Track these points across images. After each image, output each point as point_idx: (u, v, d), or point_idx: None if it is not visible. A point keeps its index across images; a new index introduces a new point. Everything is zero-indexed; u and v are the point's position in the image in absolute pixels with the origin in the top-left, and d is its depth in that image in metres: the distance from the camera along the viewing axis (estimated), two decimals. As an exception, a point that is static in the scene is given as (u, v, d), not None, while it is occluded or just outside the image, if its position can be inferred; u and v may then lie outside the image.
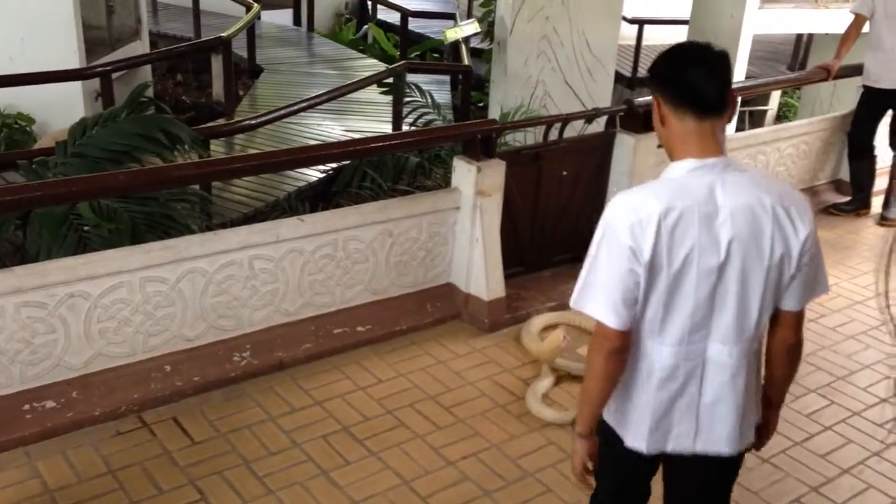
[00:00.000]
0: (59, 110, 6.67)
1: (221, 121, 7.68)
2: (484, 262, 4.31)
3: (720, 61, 1.94)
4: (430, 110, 6.64)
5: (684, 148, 1.96)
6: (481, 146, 4.33)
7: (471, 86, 8.13)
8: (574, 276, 5.34)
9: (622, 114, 5.04)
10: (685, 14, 9.51)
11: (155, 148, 4.37)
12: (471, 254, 4.34)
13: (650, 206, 1.89)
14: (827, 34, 9.71)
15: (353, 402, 3.68)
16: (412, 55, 11.58)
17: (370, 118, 8.43)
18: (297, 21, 13.56)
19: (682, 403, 2.06)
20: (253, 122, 6.06)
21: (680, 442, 2.10)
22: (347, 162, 5.84)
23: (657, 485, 2.32)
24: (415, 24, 12.51)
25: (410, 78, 7.20)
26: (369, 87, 7.63)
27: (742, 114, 10.19)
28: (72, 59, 6.90)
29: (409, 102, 6.87)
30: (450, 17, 11.69)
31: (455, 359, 4.08)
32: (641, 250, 1.89)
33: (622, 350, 1.99)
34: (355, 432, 3.49)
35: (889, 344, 4.41)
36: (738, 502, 2.81)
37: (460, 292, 4.43)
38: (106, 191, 3.71)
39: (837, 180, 6.55)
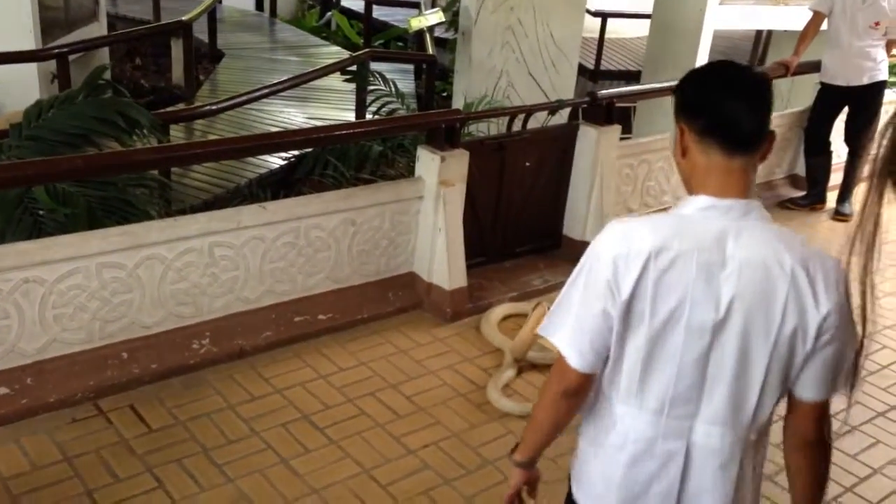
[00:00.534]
0: (13, 92, 6.52)
1: (181, 106, 7.58)
2: (446, 251, 4.31)
3: (762, 89, 1.64)
4: (394, 99, 6.62)
5: (703, 184, 1.65)
6: (445, 136, 4.33)
7: (435, 75, 8.12)
8: (535, 267, 5.38)
9: (585, 106, 5.08)
10: (648, 8, 9.58)
11: (113, 132, 4.29)
12: (433, 243, 4.34)
13: (642, 240, 1.61)
14: (786, 31, 9.85)
15: (314, 391, 3.67)
16: (376, 43, 11.53)
17: (333, 106, 8.37)
18: (259, 6, 13.43)
19: (659, 488, 1.71)
20: (214, 107, 5.98)
21: None
22: (310, 150, 5.80)
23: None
24: (379, 12, 12.46)
25: (374, 66, 7.16)
26: (332, 75, 7.58)
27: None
28: (27, 39, 6.73)
29: (372, 91, 6.84)
30: (414, 5, 11.64)
31: (416, 348, 4.08)
32: (620, 288, 1.61)
33: (578, 393, 1.72)
34: (315, 420, 3.47)
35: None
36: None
37: (422, 282, 4.43)
38: (62, 174, 3.63)
39: (794, 175, 6.66)
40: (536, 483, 1.97)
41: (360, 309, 4.23)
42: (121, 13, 11.27)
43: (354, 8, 13.36)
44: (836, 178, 6.37)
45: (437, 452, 3.36)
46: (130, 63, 10.39)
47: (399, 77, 8.08)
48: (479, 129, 5.91)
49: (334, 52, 10.61)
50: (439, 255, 4.35)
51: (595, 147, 4.89)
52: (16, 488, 2.95)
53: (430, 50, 8.29)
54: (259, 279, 3.91)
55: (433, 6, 11.44)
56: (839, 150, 6.37)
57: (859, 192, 6.00)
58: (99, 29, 8.38)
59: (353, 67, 7.13)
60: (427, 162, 4.29)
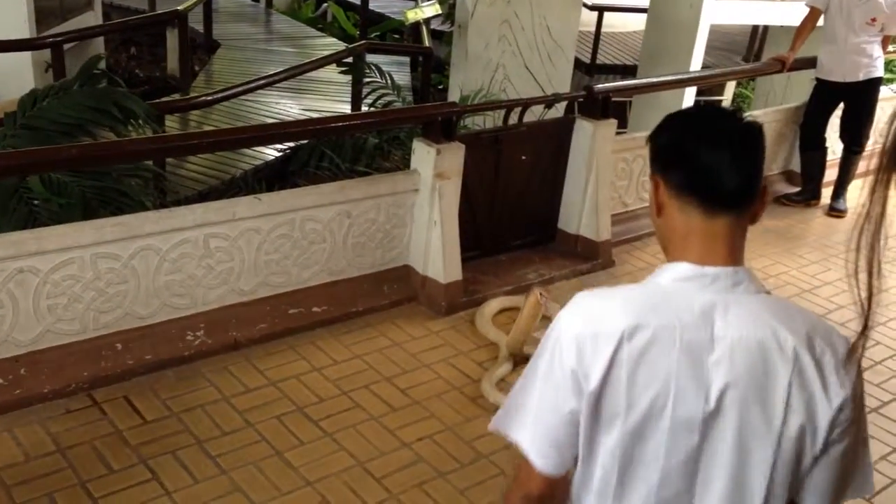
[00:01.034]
0: (7, 81, 6.50)
1: (176, 96, 7.56)
2: (442, 244, 4.31)
3: (750, 139, 1.38)
4: (390, 91, 6.60)
5: (683, 248, 1.40)
6: (441, 129, 4.32)
7: (431, 68, 8.11)
8: (530, 261, 5.38)
9: (581, 100, 5.08)
10: (645, 2, 9.58)
11: (108, 122, 4.28)
12: (429, 236, 4.34)
13: (611, 318, 1.34)
14: (782, 26, 9.86)
15: (308, 383, 3.67)
16: (372, 35, 11.51)
17: (328, 98, 8.36)
18: (255, -3, 13.38)
19: None
20: (209, 98, 5.98)
21: None
22: (305, 141, 5.79)
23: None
24: (375, 4, 12.44)
25: (370, 58, 7.16)
26: (328, 67, 7.57)
27: (697, 104, 10.29)
28: (22, 28, 6.72)
29: (368, 83, 6.82)
30: (411, -3, 11.64)
31: (411, 341, 4.08)
32: (587, 377, 1.33)
33: (543, 500, 1.44)
34: (310, 413, 3.47)
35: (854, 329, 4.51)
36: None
37: (417, 275, 4.43)
38: (57, 164, 3.62)
39: (789, 171, 6.67)
40: None
41: (354, 301, 4.23)
42: (116, 2, 11.23)
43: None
44: (831, 174, 6.38)
45: (432, 445, 3.36)
46: (125, 53, 10.37)
47: (395, 69, 8.08)
48: (475, 123, 5.91)
49: (330, 44, 10.60)
50: (434, 248, 4.34)
51: (591, 141, 4.89)
52: (9, 479, 2.94)
53: (427, 42, 8.29)
54: (254, 271, 3.90)
55: (430, -2, 11.41)
56: (834, 146, 6.38)
57: (855, 187, 6.01)
58: (94, 18, 8.36)
59: (350, 59, 7.12)
60: (423, 155, 4.29)
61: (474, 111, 5.46)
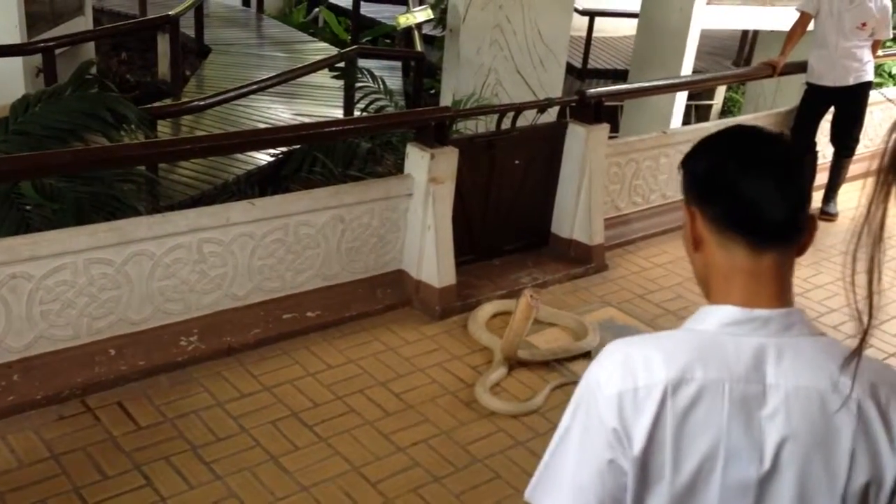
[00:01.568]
0: (-2, 86, 6.48)
1: (168, 101, 7.54)
2: (435, 249, 4.31)
3: (797, 166, 1.26)
4: (382, 96, 6.61)
5: (726, 289, 1.27)
6: (435, 133, 4.33)
7: (423, 73, 8.12)
8: (524, 265, 5.38)
9: (574, 105, 5.09)
10: (635, 7, 9.62)
11: (101, 127, 4.28)
12: (422, 241, 4.34)
13: (654, 371, 1.20)
14: (772, 31, 9.91)
15: (303, 388, 3.66)
16: (364, 40, 11.52)
17: (320, 103, 8.36)
18: (246, 2, 13.38)
19: None
20: (201, 103, 5.97)
21: None
22: (298, 146, 5.79)
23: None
24: (367, 9, 12.45)
25: (362, 63, 7.16)
26: (320, 72, 7.57)
27: (688, 108, 10.38)
28: (12, 33, 6.70)
29: (360, 88, 6.82)
30: (402, 2, 11.65)
31: (405, 345, 4.08)
32: (630, 437, 1.19)
33: None
34: (304, 418, 3.47)
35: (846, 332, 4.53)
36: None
37: (411, 279, 4.43)
38: (50, 169, 3.62)
39: (780, 175, 6.70)
40: None
41: (348, 306, 4.22)
42: (107, 7, 11.21)
43: (342, 4, 13.33)
44: (821, 178, 6.41)
45: (426, 450, 3.36)
46: (116, 58, 10.36)
47: (387, 74, 8.09)
48: (468, 127, 5.92)
49: (322, 49, 10.59)
50: (428, 253, 4.34)
51: (583, 145, 4.90)
52: (2, 486, 2.93)
53: (419, 47, 8.30)
54: (248, 276, 3.90)
55: (421, 3, 11.43)
56: (825, 150, 6.41)
57: (846, 191, 6.02)
58: (85, 23, 8.34)
59: (342, 64, 7.12)
60: (416, 159, 4.29)
61: (467, 115, 5.47)
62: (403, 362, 3.94)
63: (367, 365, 3.88)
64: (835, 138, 6.28)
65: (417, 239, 4.35)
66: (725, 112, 12.49)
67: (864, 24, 5.83)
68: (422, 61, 7.99)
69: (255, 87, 6.47)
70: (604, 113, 5.06)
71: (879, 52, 6.33)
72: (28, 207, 3.82)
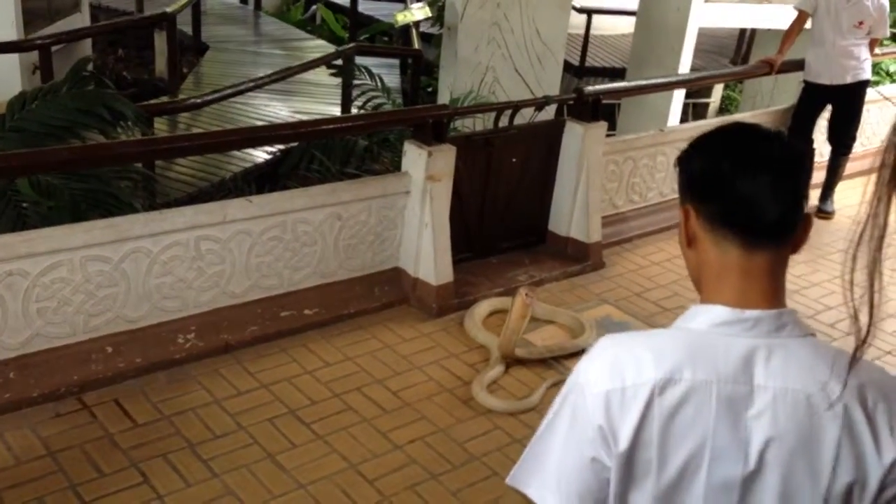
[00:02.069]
0: (-6, 83, 6.46)
1: (165, 98, 7.53)
2: (433, 247, 4.31)
3: (793, 165, 1.26)
4: (380, 94, 6.61)
5: (717, 287, 1.27)
6: (432, 131, 4.33)
7: (420, 71, 8.12)
8: (521, 263, 5.38)
9: (571, 102, 5.09)
10: (633, 5, 9.62)
11: (98, 124, 4.26)
12: (420, 238, 4.34)
13: (643, 371, 1.22)
14: (770, 29, 9.92)
15: (300, 386, 3.66)
16: (361, 38, 11.50)
17: (318, 100, 8.35)
18: (243, -1, 13.36)
19: None
20: (198, 100, 5.96)
21: None
22: (295, 144, 5.78)
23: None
24: (364, 7, 12.44)
25: (359, 61, 7.15)
26: (318, 69, 7.56)
27: (685, 106, 10.40)
28: (9, 30, 6.69)
29: (358, 85, 6.82)
30: (400, 0, 11.63)
31: (402, 343, 4.08)
32: (616, 436, 1.22)
33: None
34: (302, 415, 3.46)
35: (842, 329, 4.54)
36: None
37: (408, 277, 4.43)
38: (47, 166, 3.61)
39: (777, 173, 6.70)
40: None
41: (346, 304, 4.22)
42: (103, 4, 11.19)
43: (340, 2, 13.31)
44: (818, 176, 6.42)
45: (424, 447, 3.36)
46: (113, 55, 10.33)
47: (385, 72, 8.08)
48: (465, 125, 5.92)
49: (319, 46, 10.59)
50: (425, 251, 4.34)
51: (581, 143, 4.90)
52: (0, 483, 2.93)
53: (416, 45, 8.30)
54: (245, 273, 3.89)
55: (419, 1, 11.43)
56: (822, 148, 6.42)
57: (842, 189, 6.01)
58: (81, 20, 8.32)
59: (339, 62, 7.11)
60: (414, 157, 4.29)
61: (465, 113, 5.47)
62: (400, 360, 3.94)
63: (364, 362, 3.88)
64: (832, 136, 6.28)
65: (415, 237, 4.35)
66: (723, 110, 12.50)
67: (861, 23, 5.84)
68: (419, 59, 7.99)
69: (252, 84, 6.46)
70: (601, 111, 5.06)
71: (877, 51, 6.34)
72: (24, 204, 3.81)
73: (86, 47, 8.06)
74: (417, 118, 4.51)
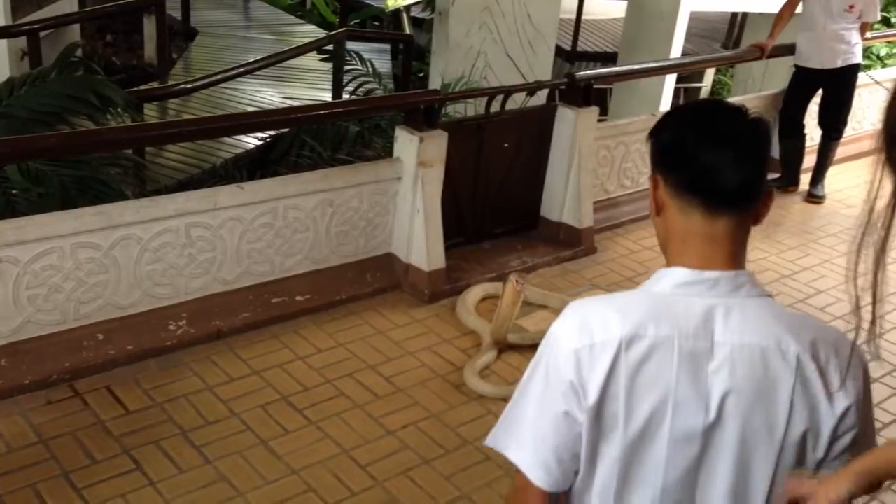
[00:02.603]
0: (-18, 69, 6.40)
1: (154, 84, 7.49)
2: (425, 232, 4.30)
3: (754, 138, 1.35)
4: (371, 79, 6.59)
5: (682, 251, 1.37)
6: (424, 117, 4.31)
7: (412, 56, 8.08)
8: (513, 248, 5.37)
9: (563, 87, 5.07)
10: (625, -11, 9.59)
11: (87, 110, 4.24)
12: (412, 224, 4.33)
13: (608, 328, 1.31)
14: (761, 13, 9.91)
15: (292, 372, 3.66)
16: (352, 22, 11.44)
17: (308, 86, 8.31)
18: (233, -17, 13.24)
19: None
20: (189, 86, 5.92)
21: None
22: (286, 130, 5.76)
23: None
24: (354, -9, 12.33)
25: (350, 46, 7.12)
26: (308, 54, 7.53)
27: (677, 91, 10.39)
28: (-4, 15, 6.62)
29: (349, 71, 6.79)
30: (390, -16, 11.56)
31: (395, 329, 4.08)
32: (585, 389, 1.30)
33: None
34: (294, 402, 3.47)
35: (832, 314, 4.56)
36: None
37: (401, 262, 4.42)
38: (35, 153, 3.59)
39: (768, 158, 6.71)
40: None
41: (337, 290, 4.22)
42: (91, -11, 11.06)
43: (330, -14, 13.22)
44: (809, 160, 6.43)
45: (416, 433, 3.37)
46: (102, 40, 10.24)
47: (376, 57, 8.05)
48: (457, 110, 5.90)
49: (310, 31, 10.52)
50: (417, 236, 4.34)
51: (573, 128, 4.89)
52: (-9, 470, 2.93)
53: (407, 30, 8.27)
54: (236, 260, 3.88)
55: (409, -15, 11.37)
56: (813, 132, 6.42)
57: (833, 173, 6.02)
58: (70, 5, 8.25)
59: (330, 47, 7.08)
60: (405, 142, 4.28)
61: (456, 99, 5.45)
62: (393, 346, 3.94)
63: (356, 348, 3.88)
64: (823, 121, 6.29)
65: (407, 222, 4.35)
66: (714, 94, 12.50)
67: (851, 7, 5.83)
68: (410, 44, 7.95)
69: (242, 69, 6.43)
70: (593, 96, 5.05)
71: (867, 35, 6.33)
72: (14, 191, 3.80)
73: (74, 33, 7.99)
74: (409, 104, 4.49)
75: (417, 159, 4.23)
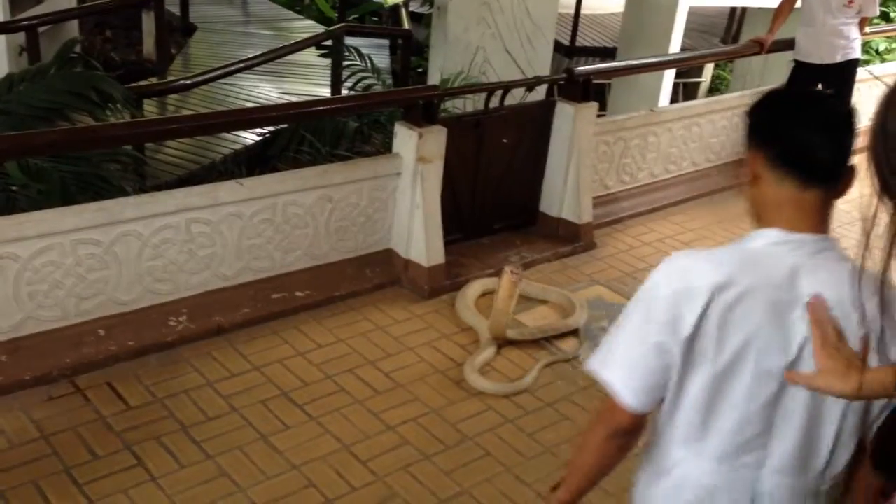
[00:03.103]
0: (-19, 65, 6.40)
1: (153, 80, 7.48)
2: (424, 228, 4.31)
3: (846, 124, 1.54)
4: (370, 75, 6.58)
5: (774, 216, 1.55)
6: (423, 112, 4.32)
7: (410, 51, 8.08)
8: (512, 244, 5.39)
9: (562, 83, 5.08)
10: (623, -16, 9.57)
11: (86, 106, 4.25)
12: (411, 220, 4.34)
13: (705, 276, 1.50)
14: (760, 8, 9.90)
15: (292, 367, 3.67)
16: (351, 18, 11.42)
17: (307, 81, 8.30)
18: (231, -21, 13.22)
19: None
20: (188, 82, 5.92)
21: None
22: (285, 125, 5.76)
23: None
24: (353, -14, 12.30)
25: (349, 41, 7.12)
26: (307, 50, 7.52)
27: (676, 86, 10.39)
28: (-5, 11, 6.61)
29: (348, 66, 6.79)
30: (389, -20, 11.55)
31: (394, 324, 4.09)
32: (681, 324, 1.49)
33: (629, 434, 1.61)
34: (294, 397, 3.48)
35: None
36: None
37: (400, 258, 4.43)
38: (35, 149, 3.59)
39: (767, 153, 6.71)
40: None
41: (337, 286, 4.23)
42: (90, -16, 11.03)
43: (328, -19, 13.19)
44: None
45: (416, 428, 3.38)
46: (100, 36, 10.22)
47: (374, 52, 8.04)
48: (455, 106, 5.89)
49: (309, 27, 10.51)
50: (417, 232, 4.34)
51: (572, 124, 4.90)
52: (-7, 466, 2.93)
53: (406, 25, 8.26)
54: (236, 256, 3.89)
55: (408, -20, 11.36)
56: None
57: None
58: (68, 1, 8.23)
59: (329, 42, 7.07)
60: (405, 138, 4.28)
61: (455, 94, 5.45)
62: (393, 341, 3.95)
63: (356, 344, 3.89)
64: (822, 116, 6.28)
65: (406, 218, 4.35)
66: (713, 90, 12.50)
67: (851, 2, 5.83)
68: (409, 39, 7.95)
69: (241, 65, 6.43)
70: (592, 91, 5.05)
71: (867, 29, 6.33)
72: (14, 188, 3.80)
73: (73, 29, 7.98)
74: (408, 99, 4.49)
75: (416, 155, 4.24)
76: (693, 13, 9.98)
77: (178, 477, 2.98)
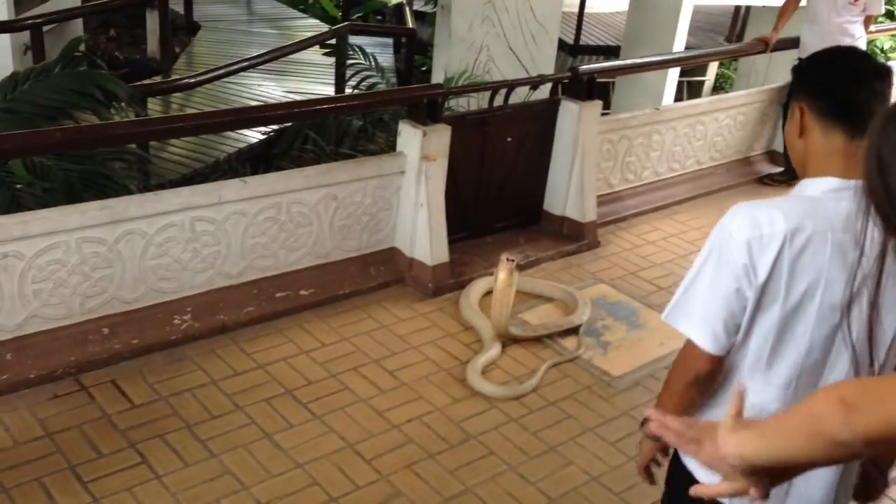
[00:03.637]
0: (-15, 63, 6.41)
1: (157, 79, 7.49)
2: (428, 226, 4.31)
3: (886, 77, 1.71)
4: (374, 73, 6.58)
5: (826, 165, 1.70)
6: (427, 110, 4.32)
7: (414, 49, 8.07)
8: (516, 242, 5.38)
9: (566, 81, 5.07)
10: (628, -17, 9.57)
11: (91, 105, 4.25)
12: (415, 218, 4.34)
13: (776, 224, 1.63)
14: (765, 6, 9.88)
15: (297, 366, 3.67)
16: (355, 16, 11.42)
17: (311, 80, 8.30)
18: (235, -23, 13.22)
19: None
20: (192, 80, 5.92)
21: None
22: (289, 124, 5.75)
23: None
24: (357, -15, 12.29)
25: (353, 40, 7.11)
26: (311, 49, 7.51)
27: (680, 84, 10.37)
28: (0, 10, 6.62)
29: (352, 65, 6.79)
30: (393, -22, 11.55)
31: (398, 323, 4.09)
32: (756, 270, 1.63)
33: (710, 377, 1.75)
34: (299, 396, 3.48)
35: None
36: None
37: (404, 257, 4.43)
38: (40, 148, 3.59)
39: (771, 151, 6.71)
40: (667, 448, 1.93)
41: (341, 284, 4.23)
42: (94, -17, 11.05)
43: (332, -20, 13.19)
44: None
45: (421, 427, 3.38)
46: (104, 34, 10.23)
47: (378, 51, 8.03)
48: (459, 104, 5.89)
49: (312, 25, 10.51)
50: (421, 231, 4.34)
51: (576, 122, 4.89)
52: (-2, 464, 2.94)
53: (410, 23, 8.25)
54: (241, 254, 3.89)
55: (412, -21, 11.34)
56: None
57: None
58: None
59: (333, 41, 7.07)
60: (409, 136, 4.28)
61: (459, 93, 5.45)
62: (397, 340, 3.95)
63: (360, 342, 3.89)
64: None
65: (410, 216, 4.35)
66: (718, 88, 12.48)
67: (856, 0, 5.82)
68: (413, 38, 7.94)
69: (245, 64, 6.42)
70: (596, 89, 5.05)
71: (871, 28, 6.32)
72: (18, 186, 3.81)
73: (77, 27, 7.99)
74: (412, 98, 4.49)
75: (421, 153, 4.23)
76: (697, 11, 9.97)
77: (183, 475, 2.99)
